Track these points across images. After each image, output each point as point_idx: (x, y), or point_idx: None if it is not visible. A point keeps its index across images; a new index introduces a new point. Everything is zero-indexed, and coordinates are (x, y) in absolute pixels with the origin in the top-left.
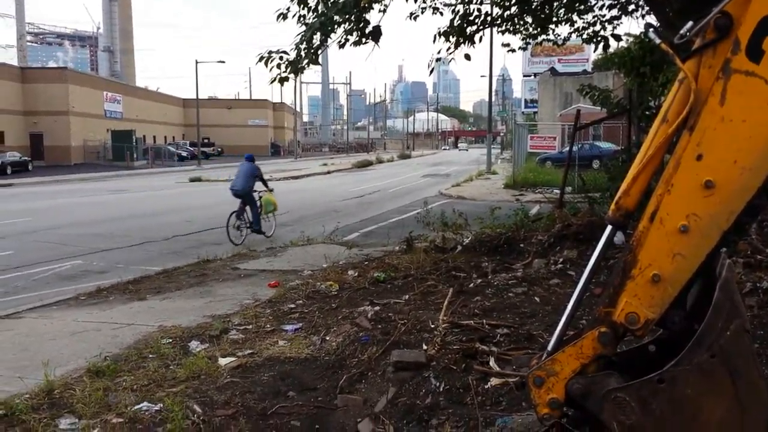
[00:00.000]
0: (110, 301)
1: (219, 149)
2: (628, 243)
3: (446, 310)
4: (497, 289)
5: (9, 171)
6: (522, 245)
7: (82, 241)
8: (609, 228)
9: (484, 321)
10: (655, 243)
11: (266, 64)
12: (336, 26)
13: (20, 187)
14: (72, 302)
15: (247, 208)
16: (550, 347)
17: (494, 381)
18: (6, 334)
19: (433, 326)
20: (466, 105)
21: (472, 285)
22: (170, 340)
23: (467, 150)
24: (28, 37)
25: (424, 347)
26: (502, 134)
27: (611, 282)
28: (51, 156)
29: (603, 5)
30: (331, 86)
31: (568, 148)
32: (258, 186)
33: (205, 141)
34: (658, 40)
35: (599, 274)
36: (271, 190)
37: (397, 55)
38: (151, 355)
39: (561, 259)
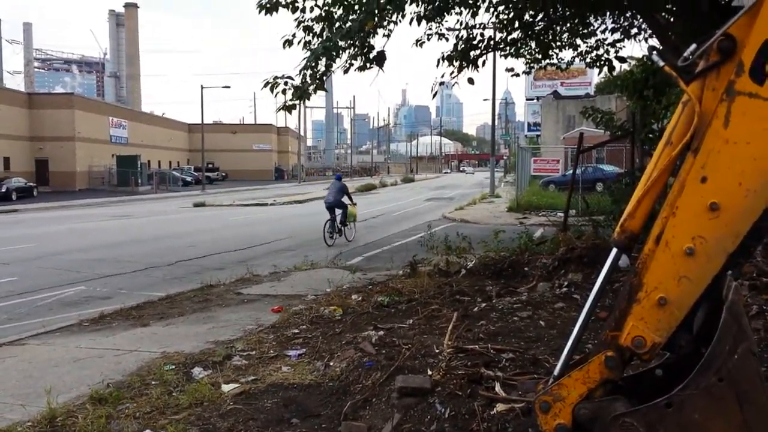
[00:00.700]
0: (113, 327)
1: (223, 174)
2: (633, 266)
3: (451, 335)
4: (502, 313)
5: (14, 197)
6: (526, 269)
7: (86, 266)
8: (614, 251)
9: (489, 345)
10: (661, 266)
11: (272, 89)
12: (341, 51)
13: (25, 213)
14: (75, 328)
15: (338, 212)
16: (556, 372)
17: (500, 407)
18: (9, 361)
19: (437, 351)
20: (470, 128)
21: (476, 309)
22: (173, 367)
23: (473, 173)
24: (36, 63)
25: (429, 372)
26: (505, 157)
27: (617, 305)
28: (56, 181)
29: (606, 29)
30: (335, 111)
31: (571, 171)
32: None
33: (210, 166)
34: (661, 63)
35: (605, 297)
36: (354, 204)
37: (400, 79)
38: (153, 382)
39: (566, 283)
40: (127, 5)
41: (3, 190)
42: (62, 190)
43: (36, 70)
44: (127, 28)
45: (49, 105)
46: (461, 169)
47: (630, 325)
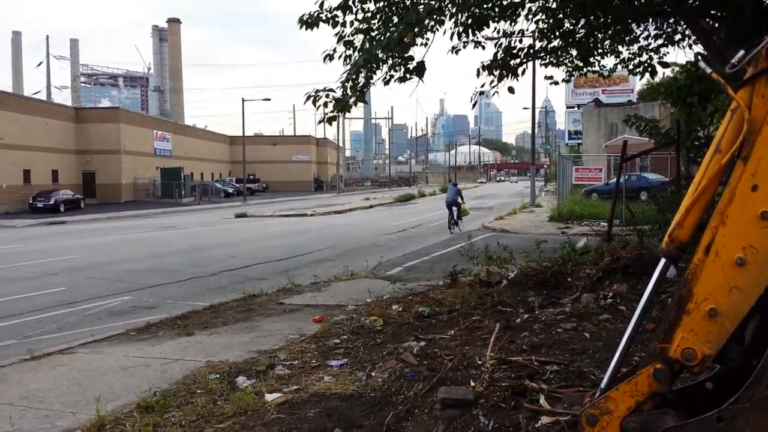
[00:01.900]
0: (159, 337)
1: (264, 185)
2: (681, 276)
3: (493, 346)
4: (545, 324)
5: (62, 209)
6: (569, 279)
7: (132, 276)
8: (662, 261)
9: (533, 357)
10: (711, 276)
11: (314, 102)
12: (381, 63)
13: (73, 225)
14: (122, 338)
15: (454, 210)
16: (603, 384)
17: (545, 419)
18: (59, 369)
19: (480, 362)
20: (509, 137)
21: (519, 320)
22: (218, 376)
23: (516, 182)
24: (82, 78)
25: (472, 384)
26: (545, 166)
27: (666, 317)
28: (102, 193)
29: (649, 35)
30: (373, 121)
31: (614, 180)
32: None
33: (251, 177)
34: (708, 70)
35: (652, 309)
36: (464, 203)
37: (438, 89)
38: (199, 391)
39: (611, 294)
40: (170, 20)
41: (52, 202)
42: (108, 201)
43: (82, 84)
44: (170, 43)
45: (95, 119)
46: (498, 179)
47: (679, 336)
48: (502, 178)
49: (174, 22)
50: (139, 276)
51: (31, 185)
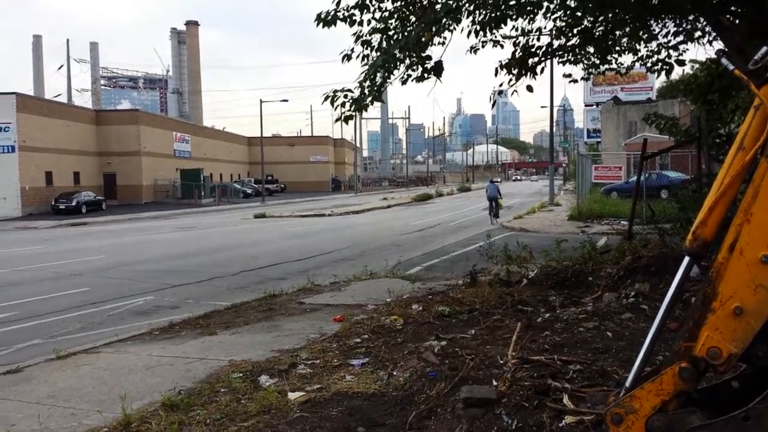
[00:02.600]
0: (182, 336)
1: (282, 185)
2: (705, 274)
3: (515, 345)
4: (567, 323)
5: (84, 210)
6: (590, 278)
7: (154, 277)
8: (686, 259)
9: (555, 357)
10: (736, 274)
11: (332, 102)
12: (398, 63)
13: (94, 226)
14: (146, 337)
15: (494, 204)
16: (628, 383)
17: (569, 419)
18: (85, 368)
19: (502, 362)
20: (526, 136)
21: (540, 319)
22: (241, 375)
23: (536, 180)
24: (102, 81)
25: (495, 383)
26: (564, 165)
27: (691, 315)
28: (123, 195)
29: (668, 32)
30: (390, 121)
31: (634, 178)
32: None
33: (269, 178)
34: (731, 67)
35: (674, 307)
36: (501, 198)
37: (455, 88)
38: (222, 390)
39: (632, 293)
40: (188, 23)
41: (74, 203)
42: (129, 203)
43: (102, 87)
44: (189, 45)
45: (115, 121)
46: (514, 177)
47: (705, 335)
48: (519, 177)
49: (192, 24)
50: (161, 276)
51: (53, 187)
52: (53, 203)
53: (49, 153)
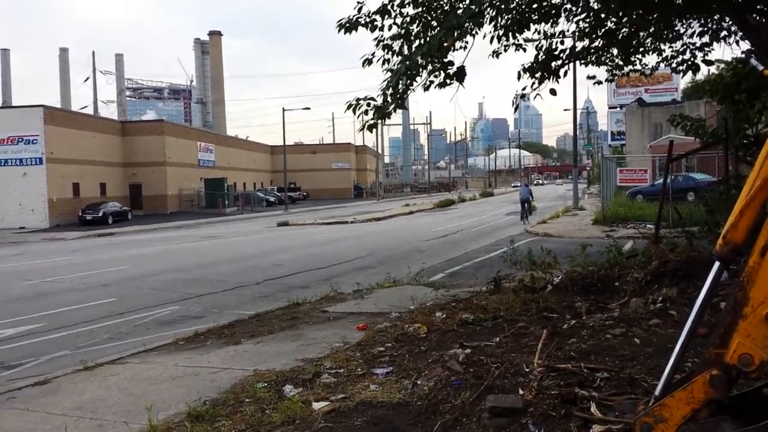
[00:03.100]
0: (207, 346)
1: (305, 193)
2: (736, 279)
3: (541, 353)
4: (593, 330)
5: (110, 220)
6: (617, 284)
7: (179, 286)
8: (716, 264)
9: (582, 364)
10: None
11: (354, 111)
12: (420, 69)
13: (120, 236)
14: (171, 347)
15: (526, 206)
16: (657, 392)
17: (597, 428)
18: (112, 379)
19: (527, 370)
20: (549, 140)
21: (565, 326)
22: (265, 384)
23: (561, 184)
24: (127, 92)
25: (520, 392)
26: (588, 168)
27: (721, 321)
28: (149, 205)
29: (693, 32)
30: (411, 127)
31: (660, 181)
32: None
33: (292, 186)
34: (761, 67)
35: (704, 313)
36: (533, 201)
37: (477, 92)
38: (247, 400)
39: (660, 298)
40: (211, 33)
41: (100, 214)
42: (154, 213)
43: (127, 98)
44: (212, 55)
45: (141, 132)
46: (536, 182)
47: (736, 342)
48: (541, 181)
49: (215, 34)
50: (186, 285)
51: (80, 198)
52: (80, 214)
53: (75, 164)
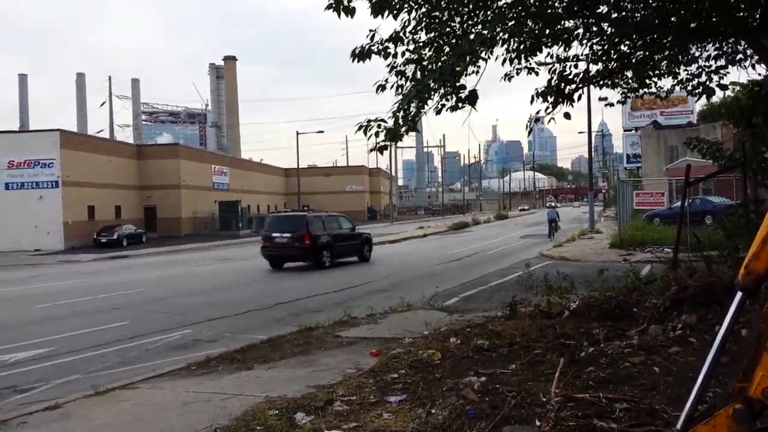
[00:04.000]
0: (219, 371)
1: None
2: (761, 309)
3: (558, 382)
4: (612, 358)
5: (125, 243)
6: (635, 310)
7: (192, 310)
8: (739, 294)
9: (600, 394)
10: None
11: (365, 132)
12: (432, 93)
13: (134, 259)
14: (183, 372)
15: (553, 225)
16: (679, 425)
17: None
18: (123, 405)
19: (544, 399)
20: (564, 162)
21: (583, 354)
22: (277, 412)
23: (578, 206)
24: (143, 116)
25: (537, 423)
26: (603, 191)
27: (745, 354)
28: (163, 227)
29: (709, 56)
30: (425, 150)
31: (677, 204)
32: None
33: (305, 208)
34: None
35: (726, 343)
36: (559, 220)
37: (490, 115)
38: (258, 428)
39: (679, 325)
40: (226, 58)
41: (115, 237)
42: (169, 235)
43: (143, 122)
44: (227, 79)
45: (156, 155)
46: (548, 204)
47: (760, 375)
48: (553, 204)
49: (230, 59)
50: (198, 309)
51: (95, 221)
52: (95, 237)
53: (91, 187)
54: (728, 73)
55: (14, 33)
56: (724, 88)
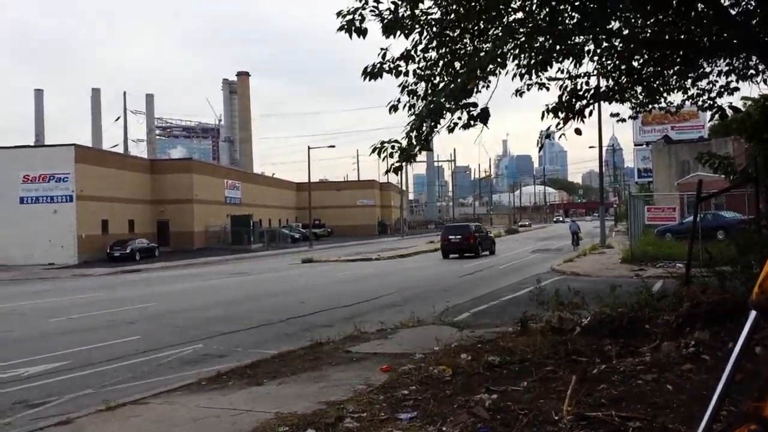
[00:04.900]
0: (229, 386)
1: (329, 230)
2: None
3: (570, 400)
4: (624, 375)
5: (138, 257)
6: (647, 326)
7: (204, 324)
8: (753, 314)
9: (613, 412)
10: None
11: (379, 154)
12: (445, 111)
13: (147, 273)
14: (194, 387)
15: (575, 236)
16: None
17: None
18: (133, 420)
19: (556, 417)
20: (575, 176)
21: (595, 371)
22: (286, 428)
23: (590, 221)
24: (157, 131)
25: None
26: (614, 205)
27: (759, 373)
28: (176, 241)
29: (720, 71)
30: (435, 164)
31: (688, 219)
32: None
33: (316, 222)
34: None
35: (740, 363)
36: (581, 232)
37: (501, 130)
38: None
39: (692, 342)
40: (239, 74)
41: (128, 251)
42: (181, 249)
43: (157, 137)
44: (240, 94)
45: (169, 170)
46: (555, 219)
47: None
48: (561, 218)
49: (243, 74)
50: (210, 323)
51: (108, 234)
52: (108, 251)
53: (105, 202)
54: (738, 89)
55: (30, 48)
56: (737, 111)
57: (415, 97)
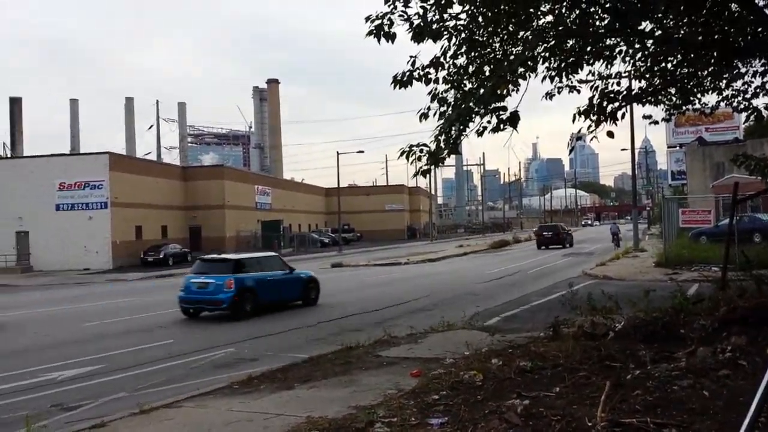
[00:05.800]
0: (261, 390)
1: (358, 234)
2: None
3: (604, 406)
4: (659, 381)
5: (171, 262)
6: (682, 331)
7: (235, 328)
8: None
9: (648, 419)
10: None
11: (407, 157)
12: (474, 115)
13: (180, 277)
14: (226, 391)
15: (615, 236)
16: None
17: None
18: (167, 423)
19: (590, 424)
20: (606, 179)
21: (629, 377)
22: None
23: (625, 224)
24: (189, 139)
25: None
26: (648, 209)
27: None
28: (208, 246)
29: (756, 72)
30: (465, 168)
31: (724, 222)
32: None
33: (345, 227)
34: None
35: None
36: (620, 233)
37: (531, 133)
38: None
39: (729, 347)
40: (269, 81)
41: (161, 256)
42: None
43: (189, 144)
44: (270, 102)
45: (201, 176)
46: (584, 222)
47: None
48: (590, 222)
49: (273, 82)
50: (242, 328)
51: (142, 240)
52: (142, 256)
53: (139, 208)
54: None
55: (67, 58)
56: None
57: (445, 105)
